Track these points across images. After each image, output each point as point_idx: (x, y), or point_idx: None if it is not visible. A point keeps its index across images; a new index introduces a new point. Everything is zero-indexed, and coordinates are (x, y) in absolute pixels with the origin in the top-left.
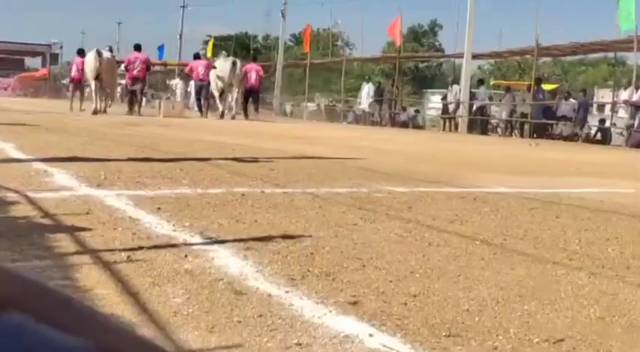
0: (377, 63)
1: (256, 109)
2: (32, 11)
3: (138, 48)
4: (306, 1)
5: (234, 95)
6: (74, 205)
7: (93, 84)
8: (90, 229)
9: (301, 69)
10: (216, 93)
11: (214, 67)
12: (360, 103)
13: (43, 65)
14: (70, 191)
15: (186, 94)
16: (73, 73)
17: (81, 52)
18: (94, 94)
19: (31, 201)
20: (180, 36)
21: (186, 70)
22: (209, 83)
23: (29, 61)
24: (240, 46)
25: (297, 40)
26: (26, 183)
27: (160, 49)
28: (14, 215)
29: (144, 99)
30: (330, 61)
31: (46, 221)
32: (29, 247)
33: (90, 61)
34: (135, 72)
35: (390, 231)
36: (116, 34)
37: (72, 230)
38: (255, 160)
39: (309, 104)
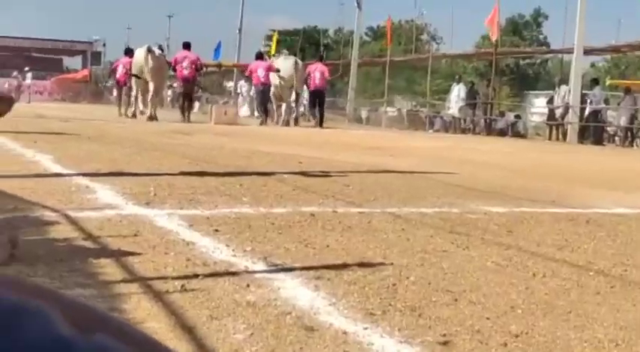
0: (469, 60)
1: (321, 116)
2: (72, 5)
3: (187, 46)
4: None
5: (298, 99)
6: (120, 226)
7: (134, 83)
8: (138, 254)
9: (379, 68)
10: (274, 99)
11: (278, 70)
12: (449, 108)
13: (84, 65)
14: (115, 210)
15: (250, 99)
16: (119, 74)
17: (129, 52)
18: (140, 100)
19: (72, 221)
20: (240, 31)
21: (246, 72)
22: (270, 87)
23: (68, 61)
24: (309, 42)
25: (375, 34)
26: (66, 200)
27: (217, 46)
28: (53, 237)
29: (197, 103)
30: (413, 57)
31: (88, 244)
32: (70, 274)
33: (139, 58)
34: (185, 72)
35: (486, 259)
36: (166, 29)
37: (118, 254)
38: (325, 174)
39: (388, 109)
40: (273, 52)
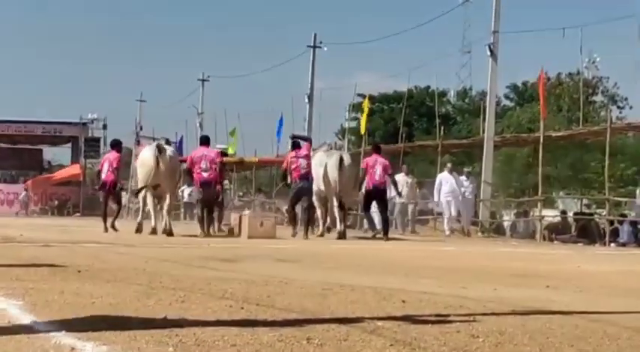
0: None
1: (386, 222)
2: (57, 67)
3: (205, 141)
4: (539, 22)
5: (344, 207)
6: None
7: (149, 196)
8: None
9: (529, 148)
10: (317, 203)
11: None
12: None
13: (75, 158)
14: None
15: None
16: (105, 174)
17: (116, 145)
18: (151, 209)
19: None
20: (310, 98)
21: (283, 165)
22: (311, 183)
23: (50, 153)
24: (416, 110)
25: (521, 96)
26: None
27: (279, 122)
28: None
29: (246, 212)
30: (581, 131)
31: None
32: None
33: (148, 161)
34: (204, 175)
35: None
36: (197, 98)
37: None
38: (443, 320)
39: (545, 212)
40: (363, 128)
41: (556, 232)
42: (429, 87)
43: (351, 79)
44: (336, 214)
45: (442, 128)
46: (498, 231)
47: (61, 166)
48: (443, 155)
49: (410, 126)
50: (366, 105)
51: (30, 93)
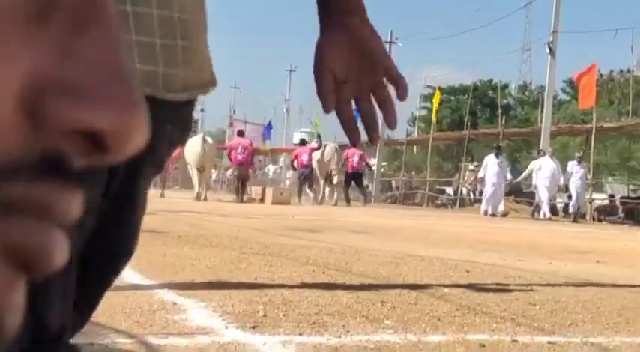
0: None
1: (365, 194)
2: None
3: (241, 134)
4: (591, 22)
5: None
6: None
7: (195, 173)
8: None
9: (581, 138)
10: (322, 181)
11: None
12: None
13: None
14: (211, 335)
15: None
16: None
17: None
18: (196, 182)
19: (153, 351)
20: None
21: (291, 157)
22: (311, 170)
23: None
24: (481, 101)
25: (576, 90)
26: (145, 322)
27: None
28: None
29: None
30: (630, 123)
31: None
32: None
33: (195, 148)
34: (239, 157)
35: None
36: (285, 88)
37: None
38: (503, 288)
39: (595, 195)
40: (434, 116)
41: (605, 214)
42: (491, 80)
43: (421, 73)
44: (327, 189)
45: (503, 117)
46: (555, 211)
47: None
48: (503, 142)
49: (474, 116)
50: (438, 97)
51: None
